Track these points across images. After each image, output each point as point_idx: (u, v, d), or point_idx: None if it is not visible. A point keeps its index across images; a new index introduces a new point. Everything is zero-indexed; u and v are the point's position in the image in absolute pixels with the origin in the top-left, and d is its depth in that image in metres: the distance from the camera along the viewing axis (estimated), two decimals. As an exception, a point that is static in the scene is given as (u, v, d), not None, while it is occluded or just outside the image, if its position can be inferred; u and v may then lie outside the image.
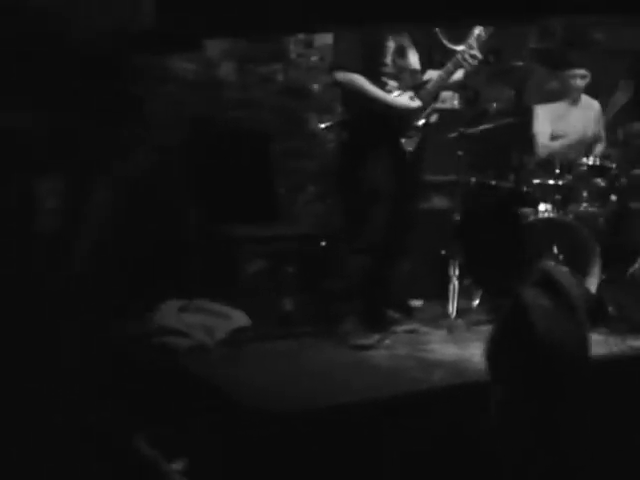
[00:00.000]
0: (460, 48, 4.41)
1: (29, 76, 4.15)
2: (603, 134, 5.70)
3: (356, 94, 4.45)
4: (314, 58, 5.52)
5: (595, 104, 5.71)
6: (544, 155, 5.47)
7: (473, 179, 5.22)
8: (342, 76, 4.44)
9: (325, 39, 5.37)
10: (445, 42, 4.44)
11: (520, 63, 5.31)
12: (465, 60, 4.42)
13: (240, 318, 4.29)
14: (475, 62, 4.45)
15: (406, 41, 4.52)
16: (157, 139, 5.03)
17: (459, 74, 4.55)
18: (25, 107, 4.11)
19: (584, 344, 2.08)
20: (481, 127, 5.19)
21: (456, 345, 4.38)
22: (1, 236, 3.48)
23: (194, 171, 5.04)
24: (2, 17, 4.08)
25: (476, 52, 4.41)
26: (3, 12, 4.09)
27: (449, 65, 4.47)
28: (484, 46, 4.47)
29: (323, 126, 5.16)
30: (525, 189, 5.18)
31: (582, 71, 5.54)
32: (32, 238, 3.64)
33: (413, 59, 4.56)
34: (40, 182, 3.78)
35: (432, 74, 4.59)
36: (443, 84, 4.57)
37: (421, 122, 4.55)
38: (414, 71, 4.56)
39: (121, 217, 4.53)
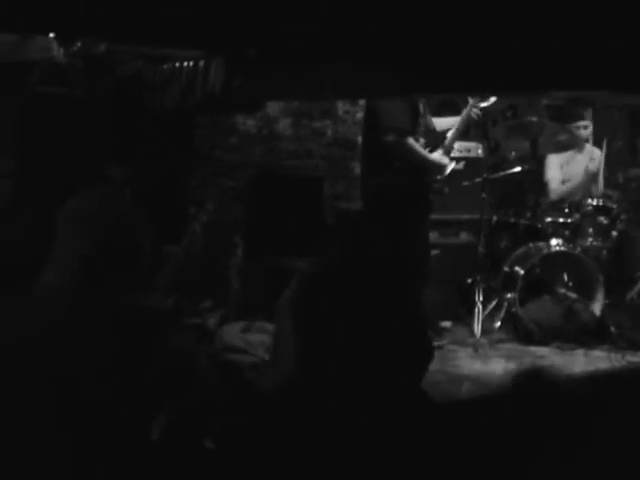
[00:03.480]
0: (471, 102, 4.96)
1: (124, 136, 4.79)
2: (601, 178, 5.94)
3: (407, 155, 4.76)
4: (359, 114, 5.80)
5: (597, 151, 6.03)
6: (555, 197, 5.87)
7: (495, 217, 5.73)
8: (398, 141, 4.69)
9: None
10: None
11: (534, 119, 5.59)
12: (471, 115, 4.99)
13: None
14: (479, 115, 5.02)
15: (425, 104, 4.96)
16: (224, 183, 5.56)
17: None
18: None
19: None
20: (501, 173, 5.63)
21: (480, 361, 4.80)
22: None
23: (252, 210, 5.50)
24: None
25: (479, 110, 4.99)
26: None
27: (460, 124, 4.99)
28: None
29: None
30: (539, 226, 5.62)
31: (585, 122, 5.93)
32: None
33: (430, 120, 5.03)
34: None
35: (439, 123, 5.06)
36: (456, 139, 5.07)
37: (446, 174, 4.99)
38: (433, 130, 5.02)
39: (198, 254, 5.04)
